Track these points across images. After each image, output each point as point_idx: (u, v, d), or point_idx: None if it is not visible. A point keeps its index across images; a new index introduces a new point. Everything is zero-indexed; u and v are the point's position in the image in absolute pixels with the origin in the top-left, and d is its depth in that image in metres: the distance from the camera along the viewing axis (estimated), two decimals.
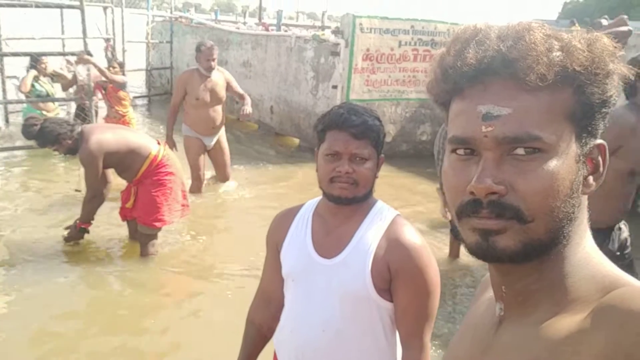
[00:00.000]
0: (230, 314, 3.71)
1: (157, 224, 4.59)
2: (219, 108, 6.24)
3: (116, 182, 4.98)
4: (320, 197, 1.83)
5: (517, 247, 0.74)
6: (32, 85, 7.67)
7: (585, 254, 0.78)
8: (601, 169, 0.79)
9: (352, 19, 8.16)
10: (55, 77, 8.09)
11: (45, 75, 7.92)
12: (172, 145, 5.81)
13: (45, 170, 7.11)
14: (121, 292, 4.27)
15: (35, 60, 7.69)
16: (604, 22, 5.49)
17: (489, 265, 0.83)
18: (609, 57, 0.74)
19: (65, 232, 4.74)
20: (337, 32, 8.57)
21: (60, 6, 8.31)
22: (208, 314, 4.00)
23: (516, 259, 0.75)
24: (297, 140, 9.40)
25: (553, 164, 0.72)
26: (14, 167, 7.12)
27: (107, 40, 10.01)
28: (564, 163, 0.73)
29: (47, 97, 7.86)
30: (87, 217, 4.62)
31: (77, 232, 4.69)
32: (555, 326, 0.72)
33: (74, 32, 8.29)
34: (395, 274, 1.66)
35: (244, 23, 16.99)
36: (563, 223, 0.75)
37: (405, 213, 5.72)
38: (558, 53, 0.73)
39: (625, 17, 9.63)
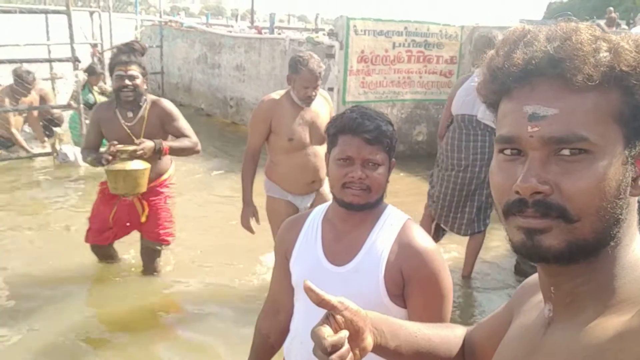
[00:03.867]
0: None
1: (169, 238, 4.28)
2: (320, 151, 3.72)
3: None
4: (329, 202, 1.80)
5: (561, 247, 0.74)
6: (87, 92, 7.47)
7: (635, 256, 0.77)
8: None
9: (346, 21, 8.07)
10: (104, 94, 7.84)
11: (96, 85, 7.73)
12: (251, 214, 3.89)
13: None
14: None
15: (93, 72, 7.50)
16: (602, 23, 5.39)
17: (538, 266, 0.83)
18: None
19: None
20: (331, 34, 8.47)
21: (46, 11, 8.14)
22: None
23: (561, 259, 0.75)
24: None
25: (599, 165, 0.72)
26: None
27: (94, 45, 9.81)
28: (610, 164, 0.72)
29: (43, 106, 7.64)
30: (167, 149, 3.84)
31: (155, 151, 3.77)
32: (602, 326, 0.72)
33: (60, 37, 8.12)
34: (408, 279, 1.64)
35: (237, 26, 16.84)
36: (610, 224, 0.74)
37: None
38: (606, 54, 0.72)
39: (613, 13, 9.60)
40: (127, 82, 3.61)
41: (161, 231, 4.19)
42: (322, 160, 3.67)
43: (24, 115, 7.86)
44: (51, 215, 5.80)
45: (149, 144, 3.68)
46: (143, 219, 4.08)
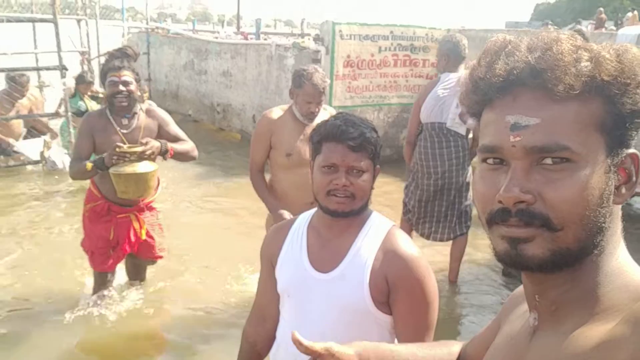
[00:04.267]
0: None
1: (162, 253, 4.12)
2: None
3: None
4: (315, 209, 1.80)
5: (545, 256, 0.74)
6: (77, 99, 7.44)
7: (619, 264, 0.78)
8: (634, 178, 0.78)
9: (332, 26, 8.11)
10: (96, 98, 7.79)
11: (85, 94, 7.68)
12: (283, 219, 3.41)
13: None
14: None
15: (83, 80, 7.48)
16: (583, 28, 5.53)
17: (522, 275, 0.83)
18: (639, 67, 0.74)
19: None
20: (317, 39, 8.52)
21: (33, 20, 8.16)
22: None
23: (545, 268, 0.76)
24: None
25: (582, 173, 0.72)
26: None
27: (82, 53, 9.82)
28: (593, 173, 0.73)
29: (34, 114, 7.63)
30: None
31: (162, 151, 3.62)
32: (586, 335, 0.72)
33: (47, 46, 8.13)
34: (393, 286, 1.63)
35: (223, 32, 16.86)
36: (593, 232, 0.75)
37: (390, 218, 5.69)
38: (587, 63, 0.73)
39: (603, 14, 9.70)
40: (121, 87, 3.46)
41: (157, 247, 4.02)
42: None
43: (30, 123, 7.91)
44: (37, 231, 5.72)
45: (155, 143, 3.52)
46: (144, 236, 3.85)
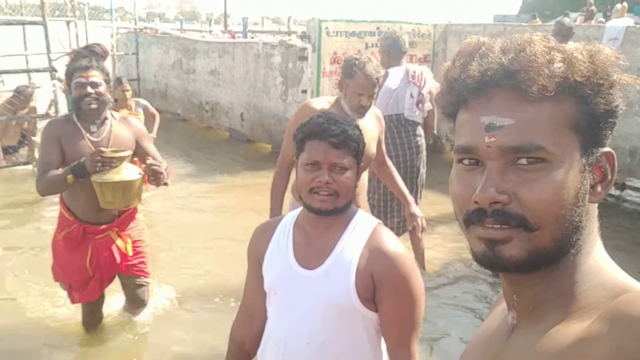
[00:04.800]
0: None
1: (148, 270, 3.68)
2: (363, 176, 3.31)
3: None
4: (300, 208, 1.81)
5: (522, 256, 0.75)
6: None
7: (596, 262, 0.78)
8: (609, 177, 0.79)
9: (318, 23, 8.18)
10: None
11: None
12: None
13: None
14: None
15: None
16: (567, 20, 5.61)
17: (500, 275, 0.84)
18: (612, 68, 0.75)
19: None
20: (303, 36, 8.60)
21: (22, 22, 8.20)
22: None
23: (522, 268, 0.76)
24: (269, 146, 9.39)
25: (557, 173, 0.73)
26: None
27: (71, 54, 9.85)
28: (568, 172, 0.74)
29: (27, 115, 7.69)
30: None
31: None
32: (562, 332, 0.73)
33: (37, 48, 8.18)
34: (378, 283, 1.64)
35: (210, 32, 16.92)
36: (569, 232, 0.76)
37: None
38: (559, 64, 0.74)
39: (592, 5, 9.73)
40: (89, 89, 3.08)
41: (145, 262, 3.60)
42: (363, 185, 3.34)
43: (22, 126, 7.96)
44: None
45: (165, 165, 3.22)
46: (130, 252, 3.43)
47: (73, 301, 3.50)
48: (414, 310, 1.65)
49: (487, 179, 0.75)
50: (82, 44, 9.51)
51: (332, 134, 1.65)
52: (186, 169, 7.96)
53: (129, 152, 3.13)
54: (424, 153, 4.67)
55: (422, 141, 4.62)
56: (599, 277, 0.77)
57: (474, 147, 0.78)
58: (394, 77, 4.50)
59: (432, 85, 4.59)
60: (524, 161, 0.74)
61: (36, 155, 7.46)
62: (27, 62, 9.53)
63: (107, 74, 3.23)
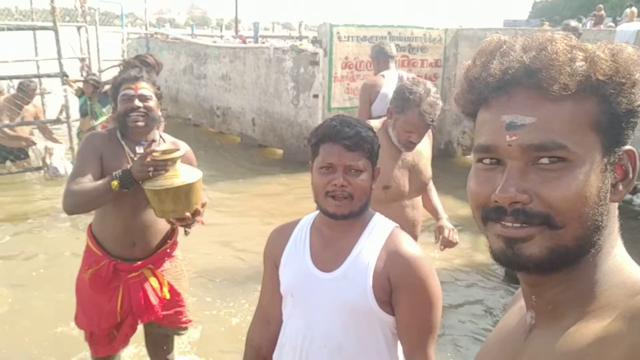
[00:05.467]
0: None
1: (188, 320, 3.01)
2: (419, 202, 3.12)
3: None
4: (317, 211, 1.79)
5: (542, 254, 0.74)
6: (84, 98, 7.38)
7: (616, 262, 0.77)
8: (631, 175, 0.78)
9: (330, 28, 8.17)
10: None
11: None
12: None
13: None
14: None
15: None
16: (573, 23, 5.70)
17: (519, 276, 0.83)
18: (634, 67, 0.74)
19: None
20: (315, 41, 8.58)
21: (33, 28, 8.21)
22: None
23: (542, 267, 0.75)
24: (280, 151, 9.35)
25: (578, 172, 0.72)
26: None
27: (82, 60, 9.89)
28: (589, 171, 0.73)
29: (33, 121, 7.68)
30: None
31: None
32: (582, 332, 0.72)
33: (48, 53, 8.18)
34: (395, 286, 1.63)
35: (221, 37, 16.94)
36: (591, 231, 0.74)
37: None
38: (581, 63, 0.73)
39: (602, 10, 9.70)
40: (137, 103, 2.60)
41: (183, 310, 2.94)
42: (420, 213, 3.06)
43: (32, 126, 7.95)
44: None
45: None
46: (167, 295, 2.83)
47: (94, 353, 2.88)
48: (431, 314, 1.64)
49: (508, 178, 0.75)
50: (93, 49, 9.57)
51: (345, 136, 1.64)
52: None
53: (182, 152, 2.61)
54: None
55: None
56: (620, 276, 0.76)
57: (495, 146, 0.77)
58: (390, 82, 4.73)
59: None
60: (545, 160, 0.73)
61: (48, 161, 7.45)
62: (38, 68, 9.55)
63: (159, 88, 2.76)
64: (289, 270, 1.77)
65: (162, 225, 2.78)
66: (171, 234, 2.87)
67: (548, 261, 0.74)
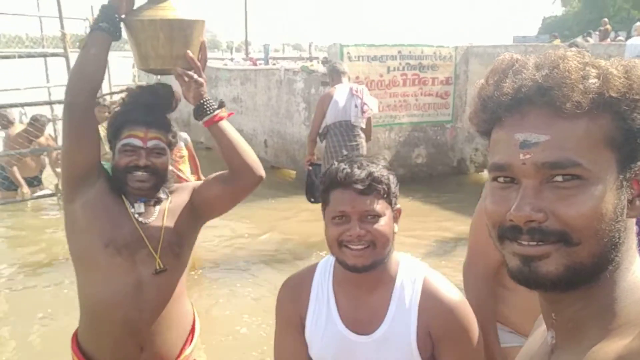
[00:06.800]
0: None
1: None
2: None
3: None
4: (330, 259, 1.63)
5: (559, 272, 0.74)
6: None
7: (635, 278, 0.77)
8: None
9: (340, 48, 8.18)
10: None
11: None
12: None
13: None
14: None
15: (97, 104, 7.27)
16: (579, 40, 5.73)
17: (539, 294, 0.82)
18: None
19: None
20: (325, 62, 8.58)
21: (44, 55, 8.25)
22: None
23: (559, 285, 0.75)
24: (293, 172, 9.31)
25: (594, 189, 0.72)
26: None
27: (122, 93, 9.92)
28: (605, 188, 0.72)
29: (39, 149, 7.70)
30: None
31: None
32: (604, 350, 0.71)
33: (59, 79, 8.21)
34: (438, 338, 1.51)
35: (232, 59, 17.04)
36: (608, 248, 0.74)
37: (408, 239, 5.67)
38: (594, 80, 0.73)
39: (608, 24, 9.65)
40: (143, 161, 1.92)
41: None
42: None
43: (43, 156, 7.95)
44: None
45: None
46: None
47: None
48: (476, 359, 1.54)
49: (523, 196, 0.74)
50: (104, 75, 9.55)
51: (357, 179, 1.46)
52: None
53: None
54: (364, 150, 5.86)
55: (362, 141, 5.93)
56: (638, 294, 0.75)
57: (509, 165, 0.77)
58: (341, 92, 5.87)
59: (368, 100, 5.96)
60: (559, 178, 0.73)
61: (60, 186, 7.45)
62: (50, 94, 9.60)
63: (175, 135, 2.09)
64: (319, 336, 1.59)
65: (183, 310, 2.06)
66: (192, 325, 2.12)
67: (565, 279, 0.74)
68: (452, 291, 1.55)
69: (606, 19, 17.52)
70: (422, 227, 6.58)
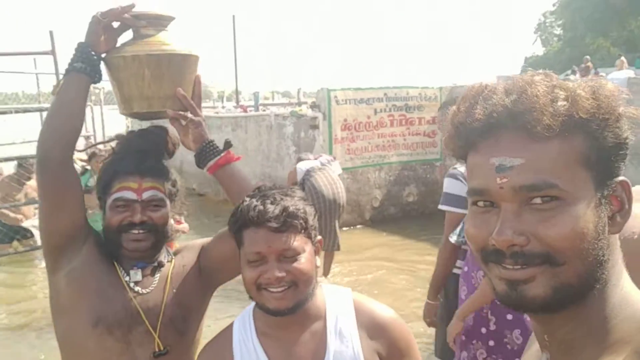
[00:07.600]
0: None
1: None
2: None
3: None
4: (250, 307, 1.48)
5: (547, 294, 0.74)
6: (87, 176, 7.43)
7: (624, 294, 0.77)
8: (627, 205, 0.78)
9: (327, 92, 8.38)
10: None
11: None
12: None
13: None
14: None
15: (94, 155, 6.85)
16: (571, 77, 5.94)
17: (529, 315, 0.82)
18: (616, 102, 0.75)
19: None
20: (314, 106, 8.77)
21: (40, 109, 8.40)
22: None
23: (548, 307, 0.75)
24: None
25: (572, 209, 0.73)
26: None
27: (87, 137, 10.06)
28: (584, 207, 0.73)
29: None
30: None
31: None
32: None
33: None
34: (385, 357, 1.46)
35: (223, 107, 17.31)
36: (593, 266, 0.74)
37: (400, 276, 5.70)
38: (563, 103, 0.74)
39: (589, 62, 9.92)
40: (139, 216, 1.62)
41: None
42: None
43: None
44: None
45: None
46: None
47: None
48: None
49: (504, 221, 0.74)
50: (98, 126, 9.71)
51: (270, 217, 1.31)
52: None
53: (174, 16, 1.72)
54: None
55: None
56: (629, 309, 0.75)
57: (487, 189, 0.77)
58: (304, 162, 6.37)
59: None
60: (538, 200, 0.73)
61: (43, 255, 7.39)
62: None
63: (175, 183, 1.83)
64: None
65: None
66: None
67: (553, 300, 0.74)
68: (384, 308, 1.50)
69: (588, 57, 17.93)
70: (418, 262, 6.64)
